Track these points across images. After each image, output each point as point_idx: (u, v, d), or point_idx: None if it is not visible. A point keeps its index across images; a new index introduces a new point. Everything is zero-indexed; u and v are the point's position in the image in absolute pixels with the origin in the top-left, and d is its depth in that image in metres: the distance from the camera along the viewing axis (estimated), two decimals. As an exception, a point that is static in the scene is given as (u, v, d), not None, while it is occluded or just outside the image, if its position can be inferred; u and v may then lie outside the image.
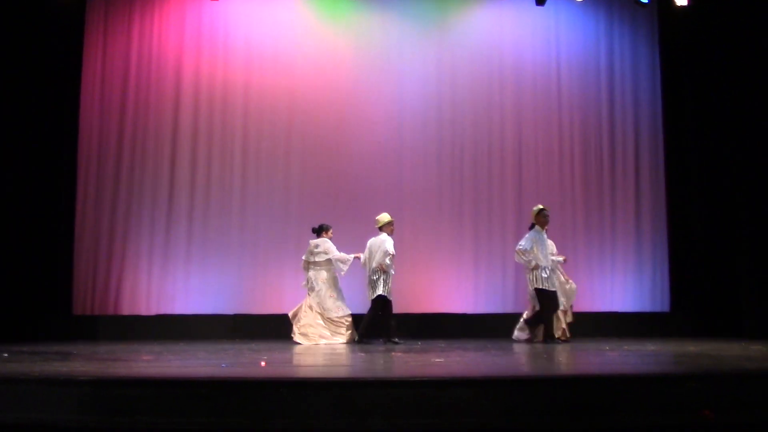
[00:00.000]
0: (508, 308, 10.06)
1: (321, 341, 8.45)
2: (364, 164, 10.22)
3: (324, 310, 8.63)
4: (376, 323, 8.55)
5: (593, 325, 9.64)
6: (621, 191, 10.59)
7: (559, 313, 8.54)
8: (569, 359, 6.07)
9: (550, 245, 8.74)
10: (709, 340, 8.55)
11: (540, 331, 8.41)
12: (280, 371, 5.02)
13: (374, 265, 8.56)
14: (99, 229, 9.84)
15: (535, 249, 8.40)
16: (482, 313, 9.93)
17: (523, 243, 8.52)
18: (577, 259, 9.86)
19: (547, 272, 8.34)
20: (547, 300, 8.32)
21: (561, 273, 8.83)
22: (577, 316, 9.09)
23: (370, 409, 3.88)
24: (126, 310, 9.73)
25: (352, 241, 9.27)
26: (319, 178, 10.18)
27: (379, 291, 8.46)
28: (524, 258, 8.43)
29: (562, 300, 8.55)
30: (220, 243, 9.92)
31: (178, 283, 9.82)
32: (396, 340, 8.38)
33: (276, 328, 9.32)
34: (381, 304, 8.49)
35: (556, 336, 8.40)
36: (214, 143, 10.14)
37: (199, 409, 3.89)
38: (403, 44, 10.54)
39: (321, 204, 10.06)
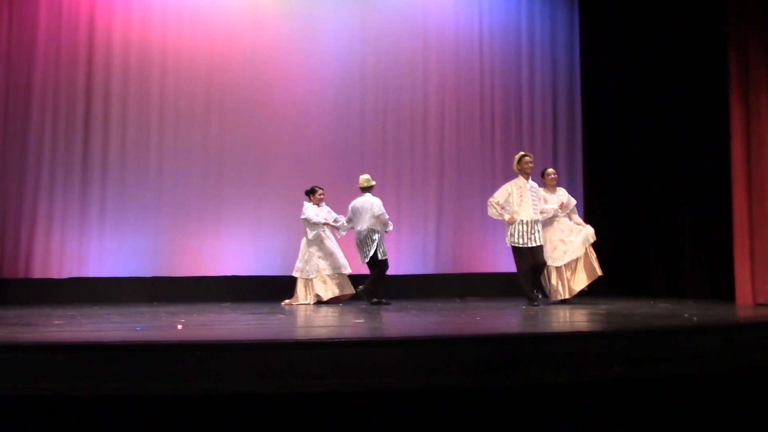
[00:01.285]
0: (429, 269, 10.18)
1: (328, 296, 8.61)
2: (286, 125, 10.07)
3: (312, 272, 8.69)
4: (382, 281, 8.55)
5: (511, 286, 9.81)
6: (540, 154, 10.76)
7: (562, 268, 7.97)
8: (486, 319, 6.18)
9: (543, 196, 8.04)
10: (620, 299, 8.84)
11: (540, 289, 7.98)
12: (195, 334, 4.93)
13: (366, 226, 8.43)
14: (7, 189, 9.39)
15: (510, 200, 7.76)
16: (404, 274, 10.00)
17: (495, 194, 7.92)
18: (495, 221, 10.01)
19: (525, 226, 7.65)
20: (517, 258, 7.78)
21: (561, 227, 8.09)
22: (497, 276, 9.25)
23: (287, 371, 3.86)
24: (37, 273, 9.36)
25: (278, 201, 9.22)
26: (239, 138, 9.97)
27: (373, 252, 8.39)
28: (492, 211, 7.85)
29: (554, 255, 7.95)
30: (136, 204, 9.61)
31: (92, 245, 9.50)
32: (377, 300, 8.38)
33: (196, 291, 9.20)
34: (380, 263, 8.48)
35: (560, 296, 7.93)
36: (129, 101, 9.76)
37: (112, 374, 3.78)
38: (326, 4, 10.36)
39: (241, 165, 9.90)
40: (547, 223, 8.02)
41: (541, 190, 8.10)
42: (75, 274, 9.37)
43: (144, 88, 9.81)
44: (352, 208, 8.62)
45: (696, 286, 8.99)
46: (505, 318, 6.35)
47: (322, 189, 8.90)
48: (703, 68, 8.92)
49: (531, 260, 7.70)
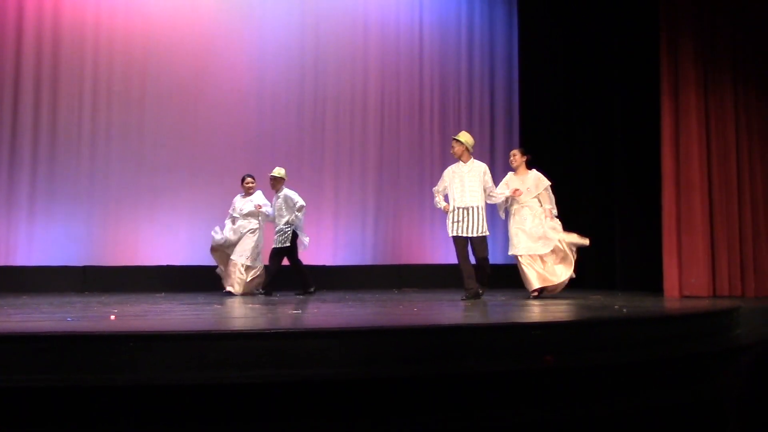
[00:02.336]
0: (368, 260, 10.22)
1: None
2: (223, 112, 9.93)
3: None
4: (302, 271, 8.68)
5: (449, 277, 9.91)
6: (477, 147, 10.88)
7: (531, 257, 7.53)
8: (424, 309, 6.24)
9: (507, 180, 7.85)
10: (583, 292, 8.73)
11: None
12: (129, 324, 4.85)
13: (288, 218, 8.58)
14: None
15: (441, 187, 7.47)
16: (342, 265, 10.01)
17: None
18: (434, 212, 10.10)
19: (457, 214, 7.23)
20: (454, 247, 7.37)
21: (524, 215, 7.72)
22: (435, 268, 9.33)
23: (223, 362, 3.84)
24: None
25: (215, 190, 9.12)
26: (175, 125, 9.78)
27: (288, 243, 8.56)
28: (435, 200, 7.54)
29: (513, 242, 7.63)
30: (68, 190, 9.31)
31: (20, 234, 9.18)
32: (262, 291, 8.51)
33: (129, 281, 9.02)
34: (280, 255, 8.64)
35: (532, 287, 7.48)
36: (60, 84, 9.45)
37: (41, 365, 3.69)
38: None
39: (177, 152, 9.73)
40: (516, 210, 7.73)
41: (510, 174, 7.91)
42: (3, 262, 9.03)
43: (76, 69, 9.50)
44: (287, 199, 8.67)
45: (626, 279, 9.26)
46: (441, 309, 6.42)
47: (250, 177, 8.85)
48: (636, 66, 9.17)
49: (464, 251, 7.24)
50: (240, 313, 5.82)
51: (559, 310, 6.03)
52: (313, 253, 9.39)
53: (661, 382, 4.37)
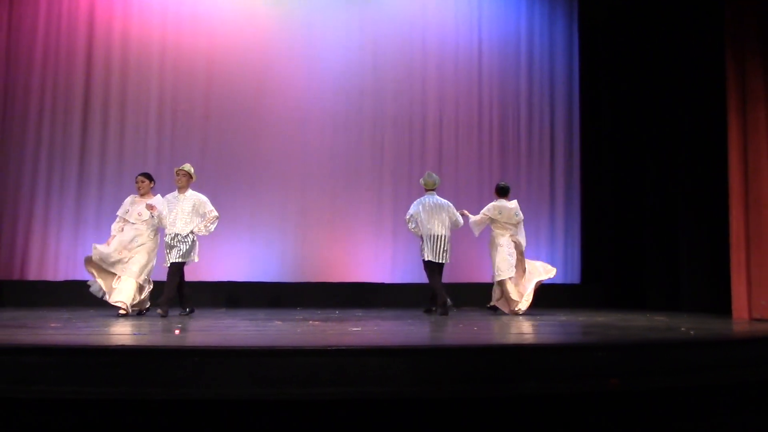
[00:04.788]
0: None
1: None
2: (283, 131, 10.07)
3: None
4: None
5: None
6: (537, 166, 10.83)
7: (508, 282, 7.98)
8: (484, 329, 6.18)
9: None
10: (617, 311, 8.86)
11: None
12: (193, 339, 4.92)
13: (194, 228, 7.52)
14: (4, 190, 9.38)
15: (415, 215, 8.10)
16: (400, 283, 10.00)
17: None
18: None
19: (425, 241, 8.00)
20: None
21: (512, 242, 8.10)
22: (492, 286, 9.27)
23: (285, 378, 3.86)
24: (33, 275, 9.34)
25: (275, 207, 9.23)
26: (236, 143, 9.97)
27: (193, 256, 7.56)
28: (408, 226, 8.21)
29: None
30: (133, 208, 9.58)
31: (88, 248, 9.38)
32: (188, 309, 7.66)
33: (192, 296, 9.15)
34: (180, 270, 7.60)
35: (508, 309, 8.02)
36: (127, 104, 9.77)
37: (108, 378, 3.77)
38: (326, 10, 10.39)
39: (237, 170, 9.90)
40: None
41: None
42: (70, 276, 9.34)
43: (142, 91, 9.83)
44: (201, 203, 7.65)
45: (692, 300, 9.01)
46: (501, 328, 6.35)
47: (140, 176, 7.60)
48: (701, 81, 8.98)
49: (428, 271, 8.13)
50: (301, 329, 5.86)
51: (622, 331, 5.89)
52: (372, 270, 9.42)
53: (731, 408, 4.22)
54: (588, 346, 4.85)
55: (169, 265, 7.46)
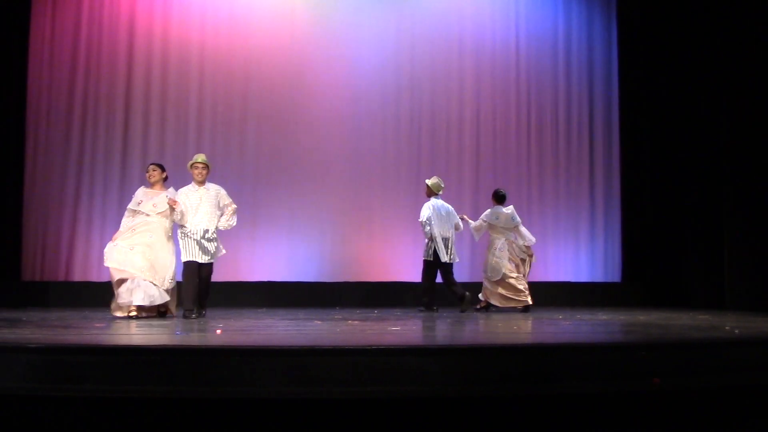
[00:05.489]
0: (465, 277, 10.15)
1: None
2: (321, 132, 10.13)
3: None
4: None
5: (547, 295, 9.78)
6: (576, 163, 10.73)
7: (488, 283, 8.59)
8: (523, 328, 6.15)
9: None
10: (658, 309, 8.74)
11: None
12: (233, 339, 4.98)
13: (218, 224, 7.11)
14: (49, 193, 9.61)
15: (429, 218, 8.41)
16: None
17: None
18: (531, 229, 9.98)
19: (438, 243, 8.36)
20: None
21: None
22: (531, 285, 9.23)
23: (325, 377, 3.88)
24: (77, 275, 9.55)
25: (313, 207, 9.28)
26: (275, 145, 10.06)
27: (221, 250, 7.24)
28: (425, 229, 8.47)
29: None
30: (174, 209, 9.73)
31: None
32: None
33: (232, 296, 9.25)
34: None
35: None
36: (168, 107, 9.93)
37: (151, 377, 3.84)
38: (362, 10, 10.43)
39: (276, 171, 9.99)
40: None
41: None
42: (107, 278, 9.46)
43: (182, 93, 9.97)
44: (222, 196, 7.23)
45: (737, 298, 8.85)
46: (541, 327, 6.31)
47: (152, 165, 7.27)
48: (747, 74, 8.79)
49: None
50: (341, 329, 5.89)
51: (664, 330, 5.81)
52: (411, 269, 9.41)
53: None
54: (629, 345, 4.80)
55: (201, 264, 6.96)
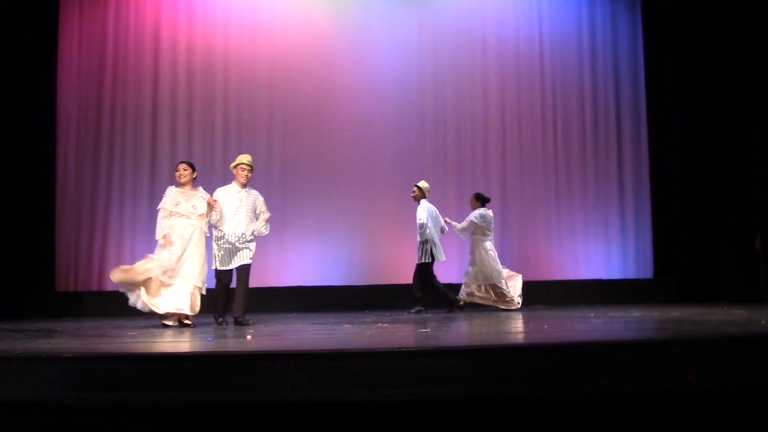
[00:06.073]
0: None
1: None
2: (346, 135, 10.17)
3: None
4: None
5: (578, 293, 9.70)
6: (603, 159, 10.63)
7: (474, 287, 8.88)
8: (555, 327, 6.10)
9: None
10: (692, 305, 8.62)
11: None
12: (263, 344, 5.01)
13: (253, 229, 6.97)
14: (80, 203, 9.76)
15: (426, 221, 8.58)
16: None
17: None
18: (560, 227, 9.92)
19: (436, 245, 8.61)
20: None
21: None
22: (562, 284, 9.17)
23: (354, 380, 3.88)
24: (110, 285, 9.49)
25: (340, 211, 9.30)
26: (301, 149, 10.11)
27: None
28: (426, 233, 8.58)
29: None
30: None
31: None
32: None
33: (262, 301, 9.26)
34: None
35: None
36: (194, 115, 10.04)
37: (184, 384, 3.87)
38: (384, 13, 10.45)
39: (303, 176, 10.04)
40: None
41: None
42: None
43: (208, 99, 10.08)
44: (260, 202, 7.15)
45: (772, 292, 8.70)
46: (573, 326, 6.25)
47: (182, 164, 6.98)
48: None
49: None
50: (370, 332, 5.89)
51: (698, 326, 5.73)
52: (441, 270, 9.37)
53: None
54: (663, 342, 4.73)
55: (238, 267, 6.81)
